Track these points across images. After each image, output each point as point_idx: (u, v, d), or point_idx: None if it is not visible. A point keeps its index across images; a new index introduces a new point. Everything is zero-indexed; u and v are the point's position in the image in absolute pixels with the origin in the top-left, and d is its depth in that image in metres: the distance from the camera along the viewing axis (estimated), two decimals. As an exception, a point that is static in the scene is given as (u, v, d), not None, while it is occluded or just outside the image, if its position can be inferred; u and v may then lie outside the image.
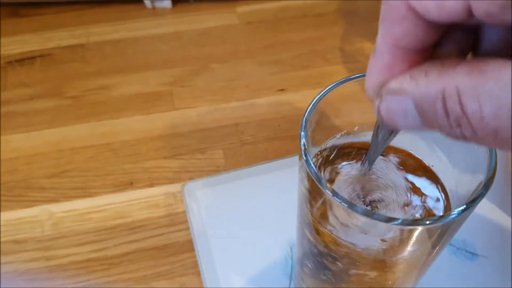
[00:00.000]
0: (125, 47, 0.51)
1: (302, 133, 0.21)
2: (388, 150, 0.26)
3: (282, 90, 0.47)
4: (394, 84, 0.14)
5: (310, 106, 0.23)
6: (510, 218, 0.37)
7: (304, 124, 0.22)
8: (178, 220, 0.38)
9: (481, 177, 0.20)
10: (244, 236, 0.36)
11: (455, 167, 0.23)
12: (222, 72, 0.49)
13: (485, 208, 0.37)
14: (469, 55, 0.15)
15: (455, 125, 0.12)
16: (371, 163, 0.21)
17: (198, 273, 0.34)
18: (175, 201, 0.39)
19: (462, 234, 0.36)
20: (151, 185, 0.40)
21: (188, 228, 0.37)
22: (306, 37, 0.52)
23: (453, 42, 0.15)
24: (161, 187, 0.40)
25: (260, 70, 0.49)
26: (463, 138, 0.12)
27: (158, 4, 0.54)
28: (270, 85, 0.47)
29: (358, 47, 0.51)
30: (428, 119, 0.13)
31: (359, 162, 0.25)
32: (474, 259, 0.35)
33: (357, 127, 0.25)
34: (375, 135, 0.19)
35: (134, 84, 0.48)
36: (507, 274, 0.34)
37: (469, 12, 0.12)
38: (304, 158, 0.20)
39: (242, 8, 0.55)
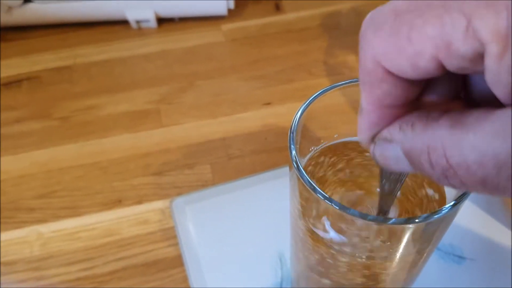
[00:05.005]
0: (112, 68, 0.52)
1: (292, 146, 0.21)
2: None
3: (268, 103, 0.48)
4: (385, 134, 0.15)
5: (297, 117, 0.23)
6: (496, 221, 0.37)
7: (292, 136, 0.22)
8: (167, 235, 0.38)
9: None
10: (233, 248, 0.36)
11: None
12: (208, 88, 0.49)
13: (471, 212, 0.38)
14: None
15: (442, 176, 0.13)
16: (386, 213, 0.22)
17: (188, 288, 0.35)
18: (164, 217, 0.39)
19: (450, 238, 0.37)
20: (140, 202, 0.40)
21: (177, 244, 0.37)
22: (290, 52, 0.53)
23: (441, 87, 0.15)
24: (150, 203, 0.40)
25: (246, 85, 0.50)
26: (453, 187, 0.13)
27: (143, 25, 0.55)
28: (256, 99, 0.48)
29: (341, 60, 0.51)
30: (417, 168, 0.14)
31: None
32: (461, 263, 0.36)
33: (336, 135, 0.26)
34: (382, 187, 0.20)
35: (122, 103, 0.48)
36: (495, 276, 0.35)
37: (444, 68, 0.12)
38: (296, 166, 0.20)
39: (227, 26, 0.56)
